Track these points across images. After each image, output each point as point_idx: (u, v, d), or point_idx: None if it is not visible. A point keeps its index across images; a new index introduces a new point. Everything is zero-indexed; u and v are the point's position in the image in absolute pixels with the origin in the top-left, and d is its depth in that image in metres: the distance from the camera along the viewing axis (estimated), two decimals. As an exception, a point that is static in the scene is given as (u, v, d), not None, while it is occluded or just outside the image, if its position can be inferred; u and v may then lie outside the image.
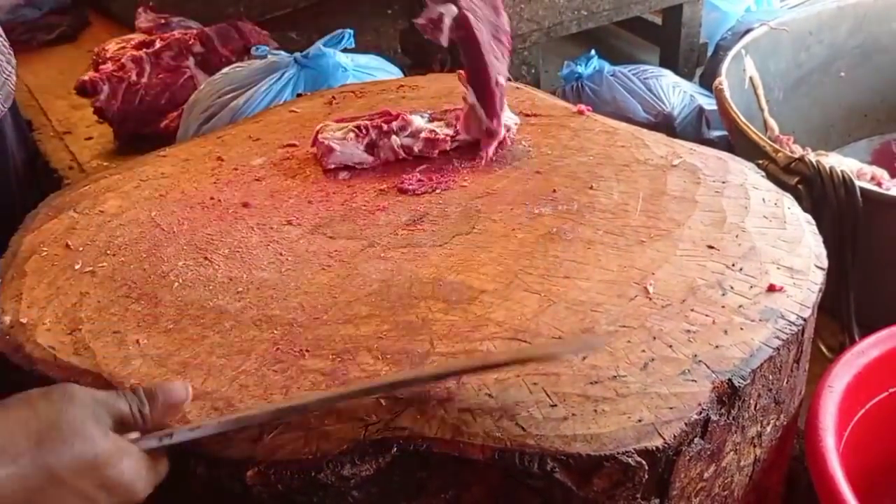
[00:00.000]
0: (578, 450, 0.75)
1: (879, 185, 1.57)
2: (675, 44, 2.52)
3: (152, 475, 0.73)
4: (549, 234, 1.05)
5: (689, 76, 2.48)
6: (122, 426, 0.72)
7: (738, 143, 1.65)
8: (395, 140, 1.21)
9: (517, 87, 1.46)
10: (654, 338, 0.88)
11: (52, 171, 1.96)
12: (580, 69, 2.20)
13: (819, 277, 0.97)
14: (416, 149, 1.22)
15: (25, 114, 2.22)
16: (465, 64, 1.18)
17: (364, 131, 1.21)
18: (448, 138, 1.21)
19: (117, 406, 0.72)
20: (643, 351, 0.86)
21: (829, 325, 1.44)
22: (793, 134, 1.80)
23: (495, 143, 1.20)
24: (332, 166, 1.21)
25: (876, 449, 1.09)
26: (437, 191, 1.15)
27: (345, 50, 2.01)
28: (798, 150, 1.54)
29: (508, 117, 1.23)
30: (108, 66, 1.91)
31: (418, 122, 1.22)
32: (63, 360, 0.89)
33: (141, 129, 1.88)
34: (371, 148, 1.21)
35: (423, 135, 1.21)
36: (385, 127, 1.21)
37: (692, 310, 0.91)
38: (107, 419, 0.71)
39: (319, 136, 1.22)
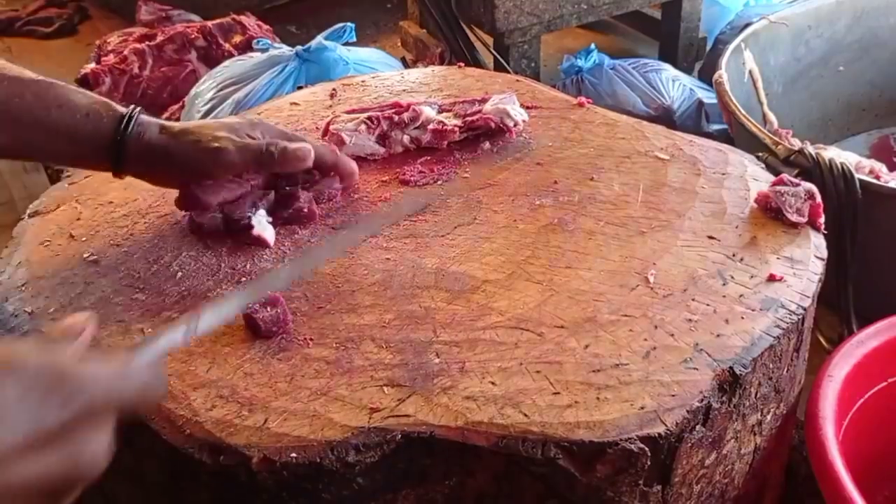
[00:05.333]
0: (581, 437, 0.76)
1: (878, 178, 1.58)
2: (674, 38, 2.52)
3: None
4: (551, 225, 1.05)
5: (688, 70, 2.49)
6: None
7: (738, 136, 1.65)
8: (407, 132, 1.21)
9: (518, 80, 1.47)
10: (656, 327, 0.88)
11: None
12: (580, 63, 2.21)
13: (819, 267, 0.98)
14: (424, 140, 1.22)
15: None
16: None
17: (375, 122, 1.21)
18: (456, 129, 1.22)
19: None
20: (645, 340, 0.87)
21: (827, 317, 1.45)
22: (791, 128, 1.81)
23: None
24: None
25: (875, 438, 1.10)
26: (439, 182, 1.16)
27: (346, 44, 2.02)
28: (797, 143, 1.55)
29: (517, 112, 1.23)
30: (110, 59, 1.92)
31: (428, 112, 1.23)
32: (68, 348, 0.89)
33: (142, 121, 1.89)
34: (383, 139, 1.22)
35: (431, 126, 1.22)
36: (396, 118, 1.22)
37: (693, 299, 0.92)
38: None
39: (331, 126, 1.23)
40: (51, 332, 0.66)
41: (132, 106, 1.05)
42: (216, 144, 1.02)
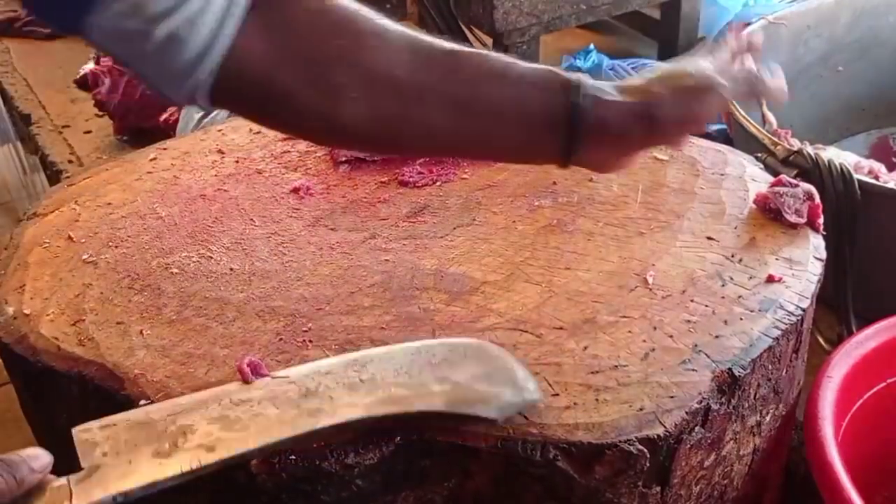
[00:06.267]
0: (580, 438, 0.76)
1: (877, 178, 1.58)
2: (673, 38, 2.52)
3: None
4: (550, 226, 1.05)
5: (687, 70, 2.48)
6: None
7: (737, 136, 1.65)
8: None
9: (517, 81, 1.46)
10: (655, 328, 0.88)
11: (51, 165, 1.96)
12: (579, 63, 2.21)
13: (818, 268, 0.98)
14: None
15: (24, 107, 2.22)
16: None
17: (375, 123, 1.21)
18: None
19: None
20: (644, 341, 0.87)
21: (826, 318, 1.45)
22: (791, 128, 1.80)
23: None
24: (343, 158, 1.21)
25: (874, 439, 1.09)
26: (438, 183, 1.16)
27: (344, 44, 2.01)
28: (796, 144, 1.55)
29: None
30: (109, 59, 1.91)
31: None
32: (67, 350, 0.89)
33: (142, 122, 1.88)
34: None
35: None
36: None
37: (692, 300, 0.92)
38: None
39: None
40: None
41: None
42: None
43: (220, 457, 0.72)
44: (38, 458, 0.67)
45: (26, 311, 0.95)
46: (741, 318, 0.89)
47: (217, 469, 0.72)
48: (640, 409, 0.79)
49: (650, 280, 0.95)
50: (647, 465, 0.77)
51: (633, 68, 2.18)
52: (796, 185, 1.05)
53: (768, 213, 1.05)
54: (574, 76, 0.82)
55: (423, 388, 0.79)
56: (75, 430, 0.73)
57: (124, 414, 0.75)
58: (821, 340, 1.45)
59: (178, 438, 0.73)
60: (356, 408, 0.76)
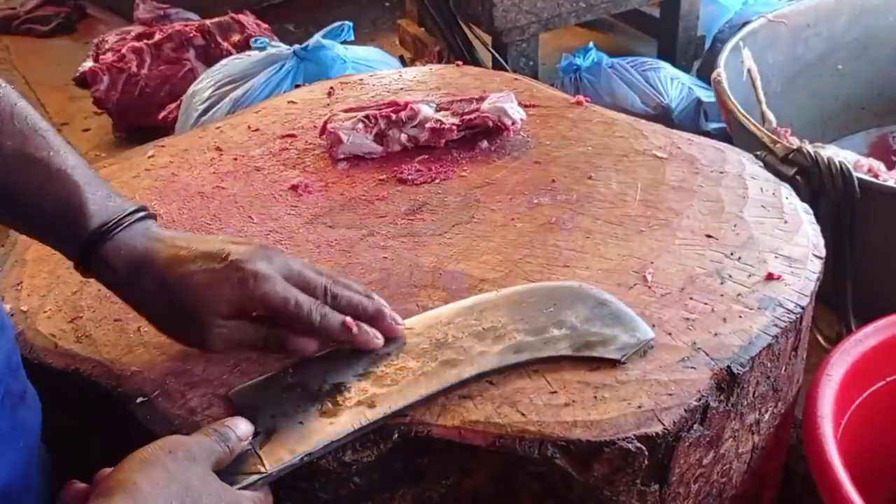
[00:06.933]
0: (578, 436, 0.76)
1: (876, 176, 1.58)
2: (672, 36, 2.52)
3: None
4: (549, 224, 1.05)
5: (686, 69, 2.48)
6: (216, 465, 0.72)
7: (737, 135, 1.65)
8: (405, 130, 1.21)
9: (516, 79, 1.46)
10: (654, 326, 0.88)
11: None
12: (578, 61, 2.21)
13: (817, 266, 0.98)
14: (422, 139, 1.22)
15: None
16: None
17: (373, 121, 1.21)
18: (454, 128, 1.21)
19: (215, 449, 0.72)
20: (643, 338, 0.86)
21: (825, 316, 1.45)
22: (790, 126, 1.80)
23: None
24: (342, 156, 1.21)
25: (872, 437, 1.09)
26: (437, 181, 1.16)
27: (344, 42, 2.02)
28: (796, 142, 1.55)
29: (515, 111, 1.23)
30: (108, 57, 1.91)
31: (426, 111, 1.22)
32: (64, 347, 0.89)
33: (140, 119, 1.88)
34: (380, 138, 1.22)
35: (429, 125, 1.21)
36: (393, 117, 1.21)
37: (691, 298, 0.92)
38: (211, 466, 0.71)
39: (329, 125, 1.23)
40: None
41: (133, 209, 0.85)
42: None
43: (383, 413, 0.77)
44: (242, 427, 0.74)
45: (23, 308, 0.95)
46: (740, 316, 0.89)
47: (381, 425, 0.77)
48: (639, 407, 0.78)
49: (649, 278, 0.95)
50: (646, 462, 0.77)
51: (632, 66, 2.18)
52: None
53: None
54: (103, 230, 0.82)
55: (544, 333, 0.85)
56: (232, 393, 0.80)
57: (274, 374, 0.82)
58: (820, 339, 1.46)
59: (336, 397, 0.78)
60: (490, 356, 0.82)
